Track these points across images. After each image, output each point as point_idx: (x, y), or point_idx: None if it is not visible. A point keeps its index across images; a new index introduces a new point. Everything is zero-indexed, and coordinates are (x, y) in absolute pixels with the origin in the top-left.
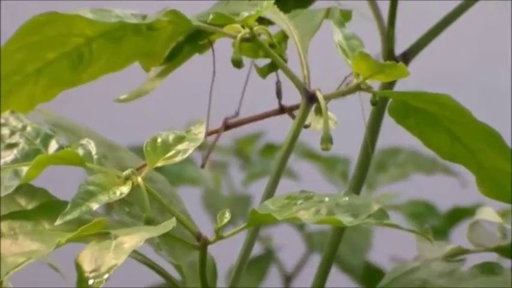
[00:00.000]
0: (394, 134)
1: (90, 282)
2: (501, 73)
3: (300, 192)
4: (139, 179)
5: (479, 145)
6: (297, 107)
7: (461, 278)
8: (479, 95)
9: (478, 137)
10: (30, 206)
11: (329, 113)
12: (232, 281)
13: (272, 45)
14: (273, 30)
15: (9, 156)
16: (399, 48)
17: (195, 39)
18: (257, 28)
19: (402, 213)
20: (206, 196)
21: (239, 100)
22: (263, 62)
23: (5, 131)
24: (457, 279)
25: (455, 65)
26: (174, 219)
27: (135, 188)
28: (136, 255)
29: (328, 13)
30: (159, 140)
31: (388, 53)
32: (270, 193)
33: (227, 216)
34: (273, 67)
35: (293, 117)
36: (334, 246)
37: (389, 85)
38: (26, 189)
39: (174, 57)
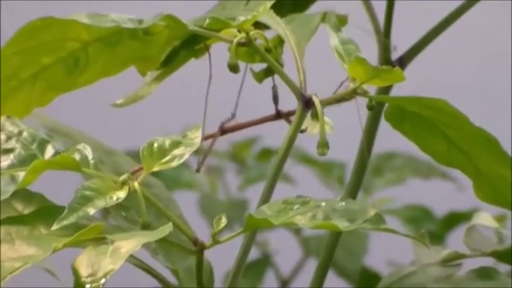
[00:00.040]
0: (390, 138)
1: (87, 287)
2: (500, 78)
3: (297, 197)
4: (136, 184)
5: (476, 150)
6: (293, 112)
7: (458, 283)
8: (478, 100)
9: (474, 142)
10: (26, 211)
11: (325, 118)
12: (229, 285)
13: (268, 50)
14: (269, 34)
15: (5, 161)
16: (395, 53)
17: (191, 43)
18: (253, 33)
19: (398, 217)
20: (202, 200)
21: (235, 104)
22: (259, 66)
23: (1, 136)
24: (453, 283)
25: (453, 71)
26: (170, 224)
27: (131, 192)
28: (133, 259)
29: (324, 17)
30: (155, 144)
31: (384, 57)
32: (266, 198)
33: (223, 221)
34: (269, 72)
35: (289, 122)
36: (331, 250)
37: (386, 90)
38: (22, 194)
39: (170, 62)
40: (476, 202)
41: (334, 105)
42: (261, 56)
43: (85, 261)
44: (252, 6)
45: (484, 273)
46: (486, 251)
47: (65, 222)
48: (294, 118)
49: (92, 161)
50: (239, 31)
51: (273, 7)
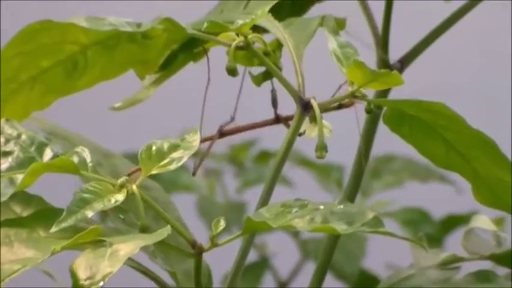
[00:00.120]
0: (388, 141)
1: None
2: (500, 80)
3: (295, 200)
4: (134, 186)
5: (475, 153)
6: (292, 117)
7: (456, 286)
8: (478, 101)
9: (473, 145)
10: (25, 214)
11: (324, 121)
12: (228, 287)
13: (267, 54)
14: (267, 38)
15: (4, 164)
16: (394, 56)
17: (190, 47)
18: (251, 36)
19: (397, 220)
20: (201, 203)
21: (234, 107)
22: (258, 70)
23: (0, 139)
24: (452, 287)
25: (452, 73)
26: (169, 226)
27: (130, 195)
28: (131, 262)
29: (322, 21)
30: (153, 148)
31: (383, 61)
32: (265, 200)
33: (222, 224)
34: (267, 75)
35: (288, 127)
36: (329, 253)
37: (384, 93)
38: (21, 196)
39: (169, 65)
40: (474, 205)
41: (333, 114)
42: (259, 60)
43: (83, 264)
44: (250, 10)
45: (483, 277)
46: (484, 254)
47: (64, 225)
48: (292, 121)
49: (90, 164)
50: (237, 35)
51: (271, 11)
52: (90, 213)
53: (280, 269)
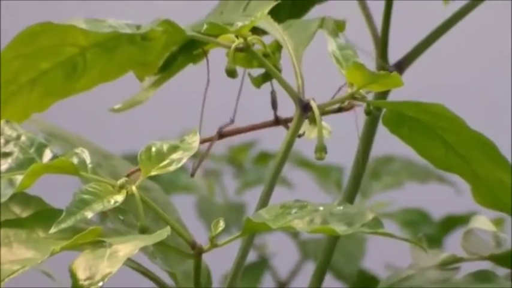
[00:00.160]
0: (388, 142)
1: None
2: (501, 81)
3: (295, 201)
4: (134, 187)
5: (474, 154)
6: (291, 119)
7: (456, 286)
8: (478, 103)
9: (472, 147)
10: (24, 214)
11: (323, 123)
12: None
13: (266, 55)
14: (267, 40)
15: (4, 165)
16: (393, 58)
17: (189, 49)
18: (251, 38)
19: (396, 221)
20: (200, 204)
21: (233, 109)
22: (257, 71)
23: (0, 140)
24: (451, 287)
25: (452, 75)
26: (168, 227)
27: (129, 196)
28: (130, 263)
29: (322, 23)
30: (153, 149)
31: (382, 63)
32: (264, 201)
33: (221, 225)
34: (267, 77)
35: (288, 128)
36: (329, 253)
37: (384, 94)
38: (20, 197)
39: (168, 67)
40: (473, 205)
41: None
42: (258, 62)
43: (83, 264)
44: (249, 12)
45: (482, 277)
46: (484, 255)
47: (63, 226)
48: (292, 123)
49: (89, 165)
50: (237, 36)
51: (271, 13)
52: (89, 214)
53: (280, 269)
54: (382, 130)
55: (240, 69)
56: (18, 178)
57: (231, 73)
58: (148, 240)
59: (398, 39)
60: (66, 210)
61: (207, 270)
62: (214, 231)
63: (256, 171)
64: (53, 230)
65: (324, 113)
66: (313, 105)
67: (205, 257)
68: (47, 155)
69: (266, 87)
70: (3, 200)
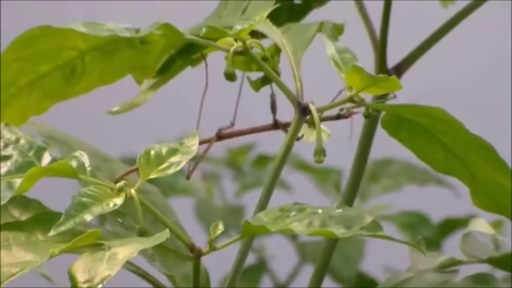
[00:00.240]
0: (387, 145)
1: None
2: (500, 85)
3: (293, 204)
4: (133, 190)
5: (472, 157)
6: (290, 123)
7: None
8: (479, 104)
9: (471, 150)
10: (24, 217)
11: (322, 126)
12: None
13: (265, 59)
14: (266, 43)
15: (3, 168)
16: (393, 61)
17: (188, 52)
18: (250, 41)
19: (395, 223)
20: (199, 207)
21: (233, 112)
22: (257, 75)
23: None
24: None
25: (451, 78)
26: (167, 230)
27: (128, 199)
28: (129, 266)
29: (321, 27)
30: (152, 152)
31: (381, 66)
32: (263, 204)
33: (220, 227)
34: (266, 80)
35: (287, 132)
36: (327, 256)
37: (382, 98)
38: (19, 200)
39: (167, 70)
40: (472, 208)
41: (331, 112)
42: (257, 65)
43: (82, 267)
44: (248, 15)
45: (481, 279)
46: (482, 258)
47: (62, 229)
48: (290, 126)
49: (88, 168)
50: (236, 40)
51: (270, 16)
52: (88, 217)
53: (278, 272)
54: (380, 132)
55: (238, 73)
56: (17, 181)
57: (230, 76)
58: (147, 243)
59: (396, 42)
60: (65, 213)
61: (205, 272)
62: (213, 234)
63: (255, 174)
64: (52, 232)
65: (322, 119)
66: (312, 108)
67: (204, 260)
68: (46, 158)
69: (265, 90)
70: (2, 203)
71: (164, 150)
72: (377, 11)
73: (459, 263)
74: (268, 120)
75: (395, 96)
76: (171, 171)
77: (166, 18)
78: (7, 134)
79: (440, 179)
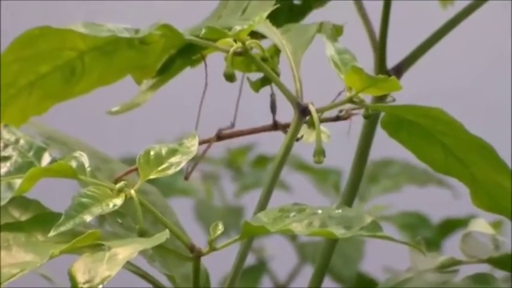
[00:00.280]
0: (386, 145)
1: None
2: (500, 86)
3: (293, 204)
4: (132, 191)
5: (472, 158)
6: (290, 124)
7: None
8: (479, 105)
9: (471, 150)
10: (23, 218)
11: (321, 127)
12: None
13: (264, 59)
14: (265, 44)
15: (2, 168)
16: (392, 61)
17: (187, 53)
18: (249, 42)
19: (394, 224)
20: (198, 207)
21: (232, 113)
22: (256, 76)
23: None
24: None
25: (451, 78)
26: (167, 230)
27: (128, 199)
28: (129, 266)
29: (320, 27)
30: (152, 152)
31: (381, 66)
32: (263, 205)
33: (220, 228)
34: (265, 81)
35: (286, 133)
36: (327, 256)
37: (382, 98)
38: (19, 201)
39: (166, 71)
40: (472, 209)
41: (331, 113)
42: (257, 66)
43: (82, 268)
44: (248, 16)
45: (481, 279)
46: (482, 258)
47: (62, 229)
48: (290, 127)
49: (88, 169)
50: (235, 41)
51: (269, 17)
52: (88, 218)
53: (278, 272)
54: (380, 133)
55: (238, 73)
56: (17, 182)
57: (230, 77)
58: (147, 243)
59: (396, 42)
60: (65, 213)
61: (205, 273)
62: (213, 235)
63: (254, 174)
64: (52, 233)
65: (321, 120)
66: (312, 109)
67: (204, 260)
68: (46, 158)
69: (264, 91)
70: (2, 203)
71: (164, 151)
72: (376, 11)
73: (459, 263)
74: (268, 120)
75: (394, 100)
76: (170, 171)
77: (166, 18)
78: (7, 135)
79: (440, 179)
